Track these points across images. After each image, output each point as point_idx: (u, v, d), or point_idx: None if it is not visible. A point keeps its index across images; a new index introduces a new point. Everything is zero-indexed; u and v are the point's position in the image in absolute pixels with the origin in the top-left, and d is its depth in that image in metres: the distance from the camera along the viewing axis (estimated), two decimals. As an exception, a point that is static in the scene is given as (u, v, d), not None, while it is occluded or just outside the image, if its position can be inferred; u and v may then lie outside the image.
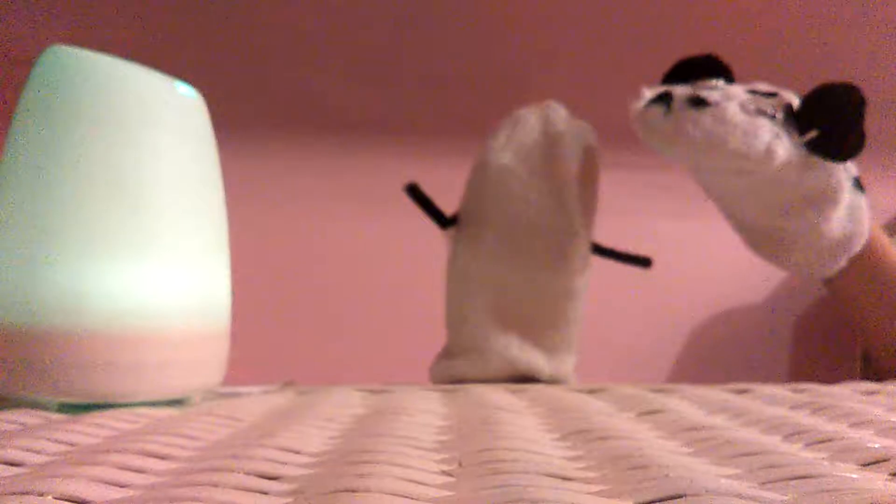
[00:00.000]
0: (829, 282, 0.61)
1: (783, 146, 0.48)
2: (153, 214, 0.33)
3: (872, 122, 0.49)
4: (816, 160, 0.50)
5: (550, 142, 0.53)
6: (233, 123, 0.47)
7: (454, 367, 0.52)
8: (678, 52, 0.53)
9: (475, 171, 0.55)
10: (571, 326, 0.53)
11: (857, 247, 0.53)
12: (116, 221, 0.32)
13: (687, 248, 0.54)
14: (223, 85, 0.51)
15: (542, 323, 0.52)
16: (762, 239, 0.55)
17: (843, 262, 0.54)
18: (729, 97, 0.49)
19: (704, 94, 0.49)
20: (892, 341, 0.62)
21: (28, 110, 0.33)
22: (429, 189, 0.53)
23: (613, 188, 0.53)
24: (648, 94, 0.51)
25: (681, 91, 0.50)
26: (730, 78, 0.54)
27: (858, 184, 0.54)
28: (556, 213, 0.52)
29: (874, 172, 0.61)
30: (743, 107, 0.49)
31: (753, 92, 0.51)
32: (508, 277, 0.52)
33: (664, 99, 0.50)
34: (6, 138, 0.33)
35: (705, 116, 0.48)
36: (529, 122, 0.54)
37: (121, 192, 0.33)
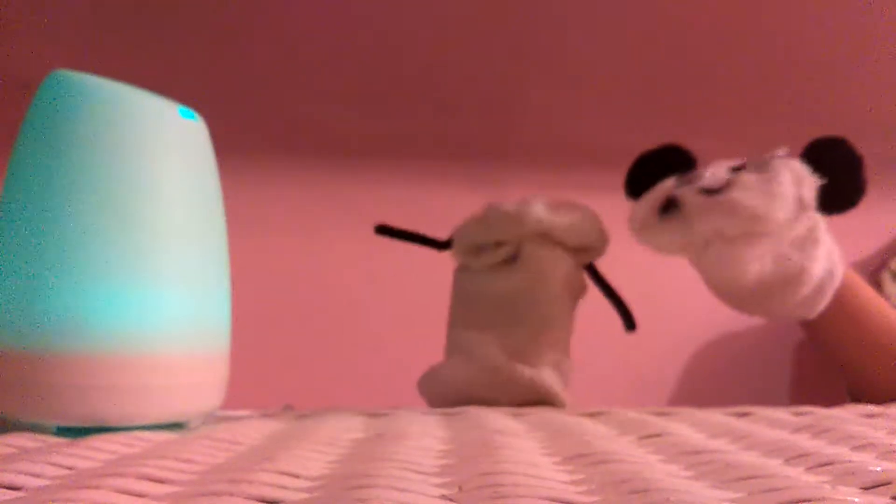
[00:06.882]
0: (808, 325, 0.61)
1: (808, 188, 0.49)
2: (154, 238, 0.33)
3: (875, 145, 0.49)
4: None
5: (525, 265, 0.50)
6: (234, 147, 0.47)
7: (440, 370, 0.51)
8: (674, 75, 0.53)
9: (455, 273, 0.53)
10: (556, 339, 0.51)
11: (836, 282, 0.53)
12: (117, 245, 0.32)
13: (687, 272, 0.54)
14: (225, 109, 0.51)
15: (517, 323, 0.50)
16: (752, 294, 0.52)
17: (825, 302, 0.53)
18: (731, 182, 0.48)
19: (706, 183, 0.48)
20: (873, 380, 0.62)
21: (30, 134, 0.34)
22: (429, 214, 0.53)
23: (613, 213, 0.53)
24: (645, 208, 0.50)
25: (683, 191, 0.49)
26: (694, 164, 0.53)
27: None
28: (532, 306, 0.50)
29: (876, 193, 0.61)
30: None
31: (735, 169, 0.51)
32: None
33: (670, 207, 0.49)
34: (9, 162, 0.34)
35: (734, 193, 0.47)
36: (500, 228, 0.50)
37: (121, 216, 0.33)
